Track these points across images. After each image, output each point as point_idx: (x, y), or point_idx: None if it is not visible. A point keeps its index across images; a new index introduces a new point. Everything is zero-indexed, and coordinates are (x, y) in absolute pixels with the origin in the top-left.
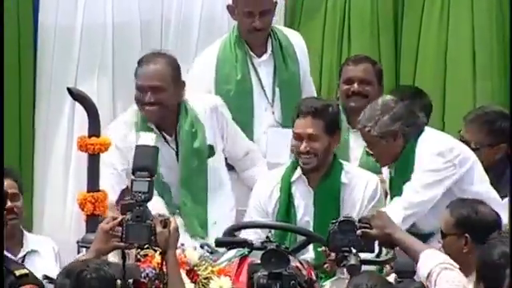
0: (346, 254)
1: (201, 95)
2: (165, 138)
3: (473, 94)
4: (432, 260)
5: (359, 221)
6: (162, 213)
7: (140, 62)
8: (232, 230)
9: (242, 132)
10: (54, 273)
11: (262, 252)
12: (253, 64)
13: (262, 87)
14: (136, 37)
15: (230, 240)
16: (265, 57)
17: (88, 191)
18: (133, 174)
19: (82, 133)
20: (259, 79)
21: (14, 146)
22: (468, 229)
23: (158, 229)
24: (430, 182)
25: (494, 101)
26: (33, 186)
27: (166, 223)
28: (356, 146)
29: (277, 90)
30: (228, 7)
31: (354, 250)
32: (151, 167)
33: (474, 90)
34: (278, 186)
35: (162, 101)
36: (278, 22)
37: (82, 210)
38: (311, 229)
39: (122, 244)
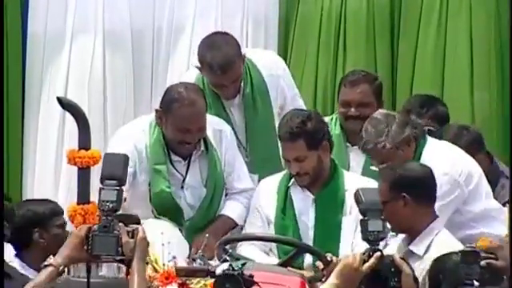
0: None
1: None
2: (172, 163)
3: (471, 104)
4: None
5: (484, 251)
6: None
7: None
8: (225, 242)
9: (245, 167)
10: None
11: (214, 279)
12: (224, 107)
13: (235, 132)
14: (127, 45)
15: (190, 268)
16: (237, 100)
17: (78, 203)
18: (101, 182)
19: (72, 143)
20: (231, 123)
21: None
22: (403, 188)
23: (124, 238)
24: (437, 209)
25: (491, 111)
26: (21, 197)
27: (133, 234)
28: (355, 163)
29: (249, 136)
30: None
31: (476, 284)
32: (120, 176)
33: (471, 100)
34: (276, 191)
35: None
36: (272, 33)
37: (72, 222)
38: (311, 233)
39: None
